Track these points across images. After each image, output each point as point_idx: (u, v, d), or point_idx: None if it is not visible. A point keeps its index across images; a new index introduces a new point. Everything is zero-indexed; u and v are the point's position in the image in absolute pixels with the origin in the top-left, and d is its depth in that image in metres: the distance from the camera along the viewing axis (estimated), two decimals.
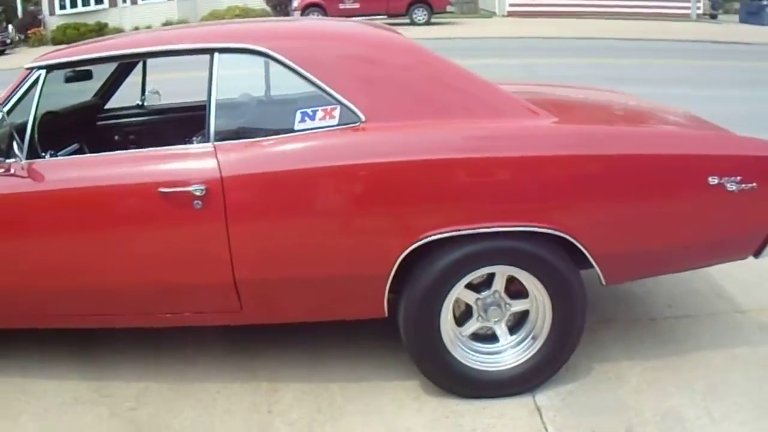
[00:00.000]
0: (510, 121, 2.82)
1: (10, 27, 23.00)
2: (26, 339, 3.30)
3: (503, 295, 2.81)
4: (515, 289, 2.82)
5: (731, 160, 2.83)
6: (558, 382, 2.92)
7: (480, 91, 2.86)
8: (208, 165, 2.68)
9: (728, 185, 2.77)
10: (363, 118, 2.70)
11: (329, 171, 2.65)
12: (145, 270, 2.79)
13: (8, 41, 21.88)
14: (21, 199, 2.78)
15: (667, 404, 2.79)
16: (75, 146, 3.26)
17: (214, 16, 23.03)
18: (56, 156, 2.89)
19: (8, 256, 2.84)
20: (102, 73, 3.67)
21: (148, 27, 20.55)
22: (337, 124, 2.72)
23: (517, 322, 2.89)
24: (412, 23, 21.75)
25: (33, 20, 24.88)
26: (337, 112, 2.72)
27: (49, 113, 3.18)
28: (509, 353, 2.87)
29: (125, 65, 3.63)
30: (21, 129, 2.80)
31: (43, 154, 2.85)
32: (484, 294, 2.80)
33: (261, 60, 2.84)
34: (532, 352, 2.84)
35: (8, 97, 2.90)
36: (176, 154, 2.85)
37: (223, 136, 2.77)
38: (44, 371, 3.17)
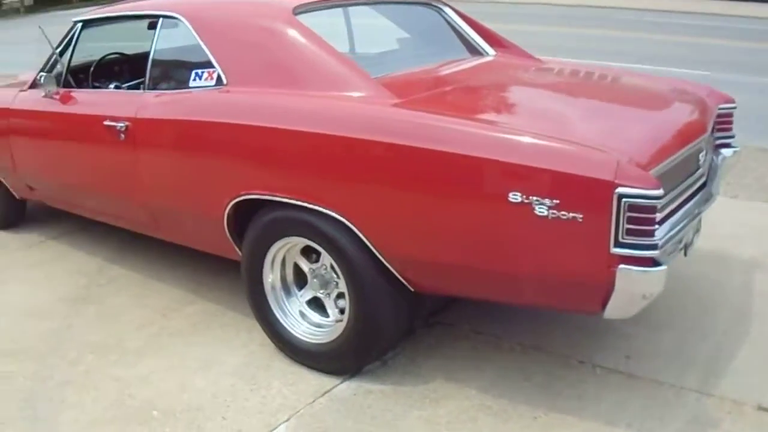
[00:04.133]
0: (336, 98, 2.68)
1: None
2: None
3: (337, 271, 2.77)
4: None
5: (543, 176, 2.14)
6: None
7: (326, 66, 2.80)
8: (132, 108, 3.33)
9: (537, 207, 2.11)
10: (225, 82, 3.02)
11: (190, 124, 3.10)
12: (94, 178, 3.72)
13: None
14: (60, 115, 3.84)
15: None
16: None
17: None
18: (72, 88, 3.87)
19: (37, 151, 4.11)
20: None
21: None
22: (214, 86, 3.08)
23: None
24: None
25: None
26: (215, 75, 3.08)
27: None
28: (328, 329, 2.90)
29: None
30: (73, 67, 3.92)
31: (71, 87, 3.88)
32: (316, 265, 2.90)
33: (184, 25, 3.25)
34: (337, 334, 2.82)
35: (59, 43, 3.97)
36: (120, 96, 3.57)
37: (150, 85, 3.42)
38: None
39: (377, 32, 3.72)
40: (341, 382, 2.85)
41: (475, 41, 3.76)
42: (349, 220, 2.57)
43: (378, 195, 2.50)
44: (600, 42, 13.15)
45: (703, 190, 2.78)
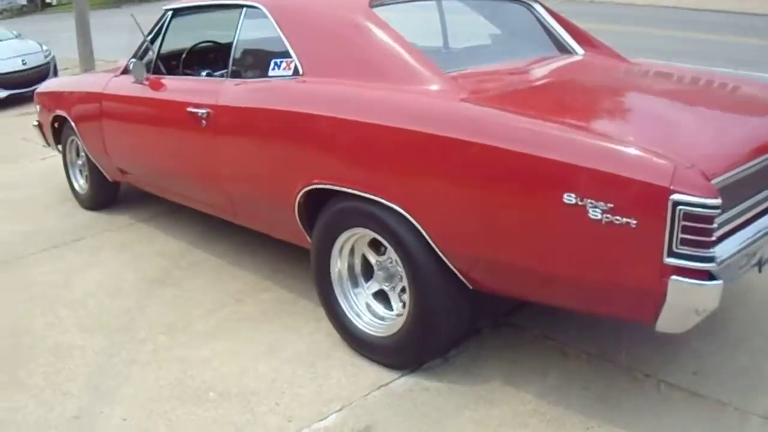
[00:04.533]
0: (405, 91, 2.68)
1: None
2: None
3: (401, 264, 2.77)
4: None
5: (598, 178, 2.05)
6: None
7: (398, 59, 2.80)
8: (213, 95, 3.46)
9: (591, 210, 2.03)
10: (302, 72, 3.10)
11: (265, 112, 3.18)
12: (178, 163, 3.89)
13: None
14: (147, 100, 4.03)
15: None
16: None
17: None
18: (161, 75, 4.05)
19: (126, 134, 4.35)
20: None
21: None
22: (291, 75, 3.16)
23: None
24: None
25: None
26: (292, 65, 3.16)
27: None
28: (389, 323, 2.91)
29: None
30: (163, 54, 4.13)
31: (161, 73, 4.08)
32: (382, 258, 2.90)
33: (265, 15, 3.33)
34: (397, 328, 2.83)
35: (150, 30, 4.18)
36: (204, 84, 3.72)
37: (232, 73, 3.55)
38: None
39: (461, 27, 3.67)
40: (399, 377, 2.85)
41: (564, 40, 3.65)
42: (410, 214, 2.57)
43: (437, 190, 2.48)
44: (685, 44, 12.48)
45: None
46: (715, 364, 2.85)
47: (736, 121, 2.72)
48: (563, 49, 3.62)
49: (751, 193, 2.39)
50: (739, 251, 2.22)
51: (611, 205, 2.02)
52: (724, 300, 3.26)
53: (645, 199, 1.99)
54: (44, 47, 11.63)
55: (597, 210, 2.04)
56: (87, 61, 10.70)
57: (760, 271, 2.53)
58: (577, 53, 3.59)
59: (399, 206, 2.59)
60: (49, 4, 45.27)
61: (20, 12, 44.42)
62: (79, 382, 3.00)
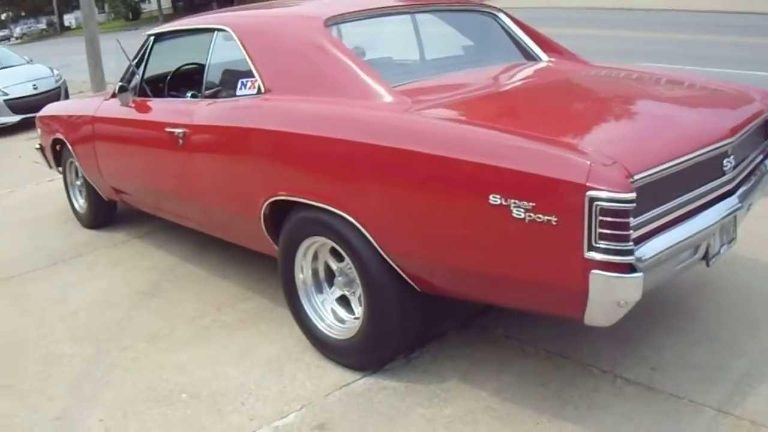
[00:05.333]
0: (351, 104, 2.87)
1: None
2: None
3: (355, 269, 2.94)
4: None
5: (518, 178, 2.20)
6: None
7: (348, 75, 2.99)
8: (188, 115, 3.69)
9: (515, 210, 2.18)
10: (263, 90, 3.31)
11: (232, 129, 3.40)
12: (161, 181, 4.09)
13: None
14: (131, 121, 4.27)
15: None
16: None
17: None
18: (146, 97, 4.29)
19: (116, 155, 4.59)
20: None
21: None
22: (256, 93, 3.34)
23: None
24: None
25: None
26: (256, 84, 3.35)
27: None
28: (349, 326, 3.10)
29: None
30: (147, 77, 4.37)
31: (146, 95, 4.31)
32: (342, 264, 3.08)
33: (232, 37, 3.54)
34: (355, 331, 2.99)
35: (135, 54, 4.42)
36: (181, 104, 3.90)
37: (205, 94, 3.77)
38: None
39: (424, 39, 3.84)
40: (360, 378, 3.01)
41: (528, 47, 3.81)
42: (358, 221, 2.74)
43: (379, 195, 2.65)
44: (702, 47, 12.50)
45: (730, 198, 2.72)
46: (676, 360, 2.97)
47: (676, 119, 2.84)
48: (528, 56, 3.78)
49: (687, 189, 2.51)
50: (675, 245, 2.35)
51: (533, 204, 2.17)
52: (693, 296, 3.40)
53: (563, 196, 2.13)
54: (55, 72, 12.05)
55: (520, 209, 2.19)
56: (98, 85, 11.06)
57: (708, 265, 2.66)
58: (540, 60, 3.74)
59: (348, 215, 2.76)
60: (68, 28, 46.56)
61: (40, 36, 45.57)
62: (64, 386, 3.21)
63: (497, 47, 3.79)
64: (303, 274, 3.20)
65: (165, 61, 4.41)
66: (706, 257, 2.63)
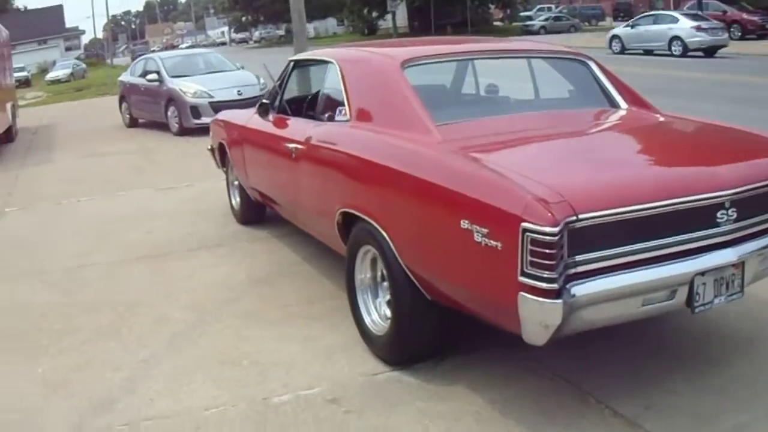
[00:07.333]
0: (400, 137, 3.55)
1: None
2: None
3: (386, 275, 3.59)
4: None
5: (482, 208, 2.71)
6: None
7: (403, 111, 3.66)
8: (301, 134, 4.53)
9: (476, 234, 2.70)
10: (349, 118, 4.08)
11: (323, 149, 4.19)
12: (282, 187, 5.06)
13: None
14: (268, 133, 5.21)
15: None
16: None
17: None
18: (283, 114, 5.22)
19: (256, 161, 5.59)
20: None
21: None
22: (346, 120, 4.10)
23: None
24: None
25: None
26: (346, 112, 4.13)
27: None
28: (386, 324, 3.70)
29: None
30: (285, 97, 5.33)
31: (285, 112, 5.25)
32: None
33: (336, 69, 4.36)
34: (387, 330, 3.62)
35: (279, 76, 5.39)
36: (300, 124, 4.77)
37: (318, 116, 4.63)
38: None
39: (487, 82, 4.42)
40: (390, 371, 3.63)
41: (609, 95, 4.22)
42: (386, 233, 3.39)
43: (398, 211, 3.32)
44: None
45: (723, 251, 2.91)
46: (675, 404, 3.22)
47: (667, 168, 3.15)
48: (605, 103, 4.18)
49: (658, 235, 2.80)
50: (614, 289, 2.69)
51: (486, 230, 2.69)
52: (733, 350, 3.61)
53: (505, 225, 2.62)
54: (261, 80, 13.52)
55: (479, 234, 2.72)
56: None
57: (693, 312, 2.96)
58: (618, 107, 4.14)
59: (380, 226, 3.43)
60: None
61: (278, 42, 49.88)
62: (161, 341, 4.20)
63: (569, 92, 4.24)
64: (361, 275, 3.87)
65: (299, 83, 5.30)
66: (689, 304, 2.92)
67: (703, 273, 2.91)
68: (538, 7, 51.76)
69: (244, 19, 74.25)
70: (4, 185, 9.80)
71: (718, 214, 2.90)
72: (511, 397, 3.34)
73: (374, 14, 53.08)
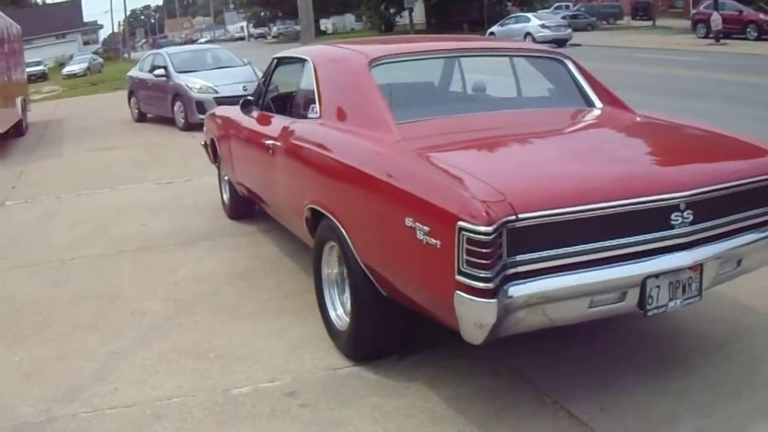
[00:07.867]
0: (363, 135, 3.60)
1: None
2: None
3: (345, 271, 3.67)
4: None
5: (424, 206, 2.76)
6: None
7: (367, 109, 3.72)
8: (277, 130, 4.61)
9: (418, 232, 2.76)
10: (319, 115, 4.15)
11: (294, 145, 4.26)
12: (261, 182, 5.13)
13: None
14: (250, 129, 5.29)
15: None
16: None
17: None
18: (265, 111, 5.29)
19: (240, 156, 5.64)
20: None
21: None
22: (316, 117, 4.19)
23: None
24: None
25: None
26: (317, 109, 4.21)
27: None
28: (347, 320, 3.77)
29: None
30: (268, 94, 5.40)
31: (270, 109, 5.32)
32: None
33: (311, 68, 4.41)
34: (347, 325, 3.69)
35: (263, 74, 5.48)
36: (278, 120, 4.85)
37: (293, 113, 4.75)
38: None
39: (453, 82, 4.47)
40: (352, 365, 3.69)
41: (585, 94, 4.25)
42: (343, 227, 3.45)
43: (353, 206, 3.39)
44: None
45: (678, 254, 2.91)
46: (630, 408, 3.22)
47: (618, 168, 3.14)
48: (580, 102, 4.21)
49: (604, 236, 2.81)
50: (574, 286, 2.72)
51: (427, 228, 2.74)
52: (702, 355, 3.62)
53: (443, 223, 2.66)
54: None
55: (421, 232, 2.77)
56: None
57: (645, 315, 2.95)
58: (593, 106, 4.17)
59: (337, 221, 3.50)
60: (324, 32, 50.86)
61: (295, 37, 50.41)
62: (135, 332, 4.29)
63: (542, 91, 4.28)
64: (328, 271, 3.93)
65: (281, 80, 5.37)
66: (641, 306, 2.94)
67: (657, 275, 2.91)
68: (556, 5, 51.24)
69: (262, 14, 74.80)
70: (10, 178, 9.98)
71: (673, 216, 2.90)
72: (467, 394, 3.38)
73: (392, 11, 53.04)
